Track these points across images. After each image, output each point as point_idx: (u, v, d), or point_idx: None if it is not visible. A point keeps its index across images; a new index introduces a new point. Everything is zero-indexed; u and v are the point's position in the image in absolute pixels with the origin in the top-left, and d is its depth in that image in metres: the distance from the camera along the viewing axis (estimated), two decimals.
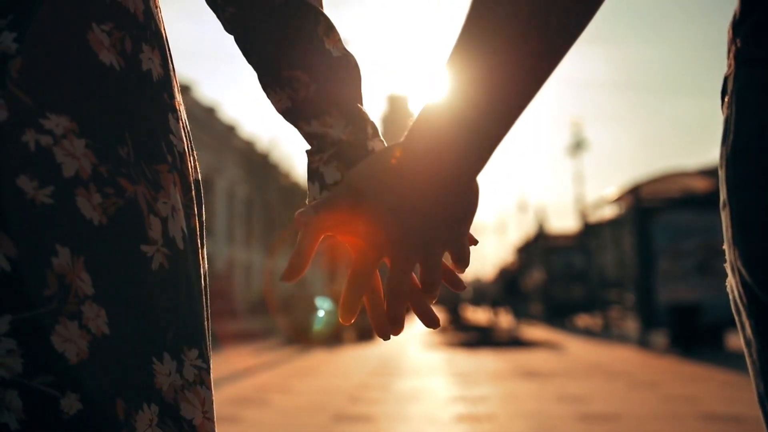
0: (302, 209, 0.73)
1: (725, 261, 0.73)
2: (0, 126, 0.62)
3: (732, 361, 9.09)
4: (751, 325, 0.70)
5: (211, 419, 0.73)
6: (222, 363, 10.81)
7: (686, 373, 8.74)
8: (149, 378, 0.68)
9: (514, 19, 0.62)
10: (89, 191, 0.66)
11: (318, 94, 0.79)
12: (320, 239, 0.76)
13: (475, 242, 0.77)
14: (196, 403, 0.72)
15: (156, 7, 0.78)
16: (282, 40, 0.80)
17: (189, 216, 0.76)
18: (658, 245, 12.76)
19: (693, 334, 11.51)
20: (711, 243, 11.98)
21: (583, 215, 25.39)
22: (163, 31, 0.79)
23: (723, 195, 0.71)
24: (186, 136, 0.79)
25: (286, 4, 0.81)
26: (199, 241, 0.78)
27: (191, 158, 0.80)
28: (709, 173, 13.49)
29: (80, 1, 0.68)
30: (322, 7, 0.83)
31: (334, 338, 15.71)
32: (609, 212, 20.04)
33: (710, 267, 12.11)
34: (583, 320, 23.28)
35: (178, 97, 0.80)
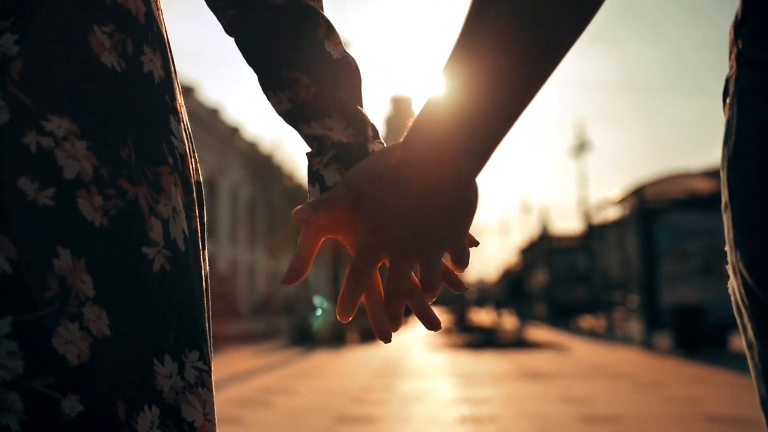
0: (299, 206, 0.73)
1: (727, 263, 0.73)
2: (1, 128, 0.62)
3: (736, 362, 9.07)
4: (753, 327, 0.70)
5: (212, 421, 0.73)
6: (225, 364, 10.81)
7: (690, 374, 8.72)
8: (150, 380, 0.68)
9: (513, 20, 0.62)
10: (90, 193, 0.66)
11: (318, 96, 0.79)
12: (321, 242, 0.77)
13: (476, 243, 0.76)
14: (197, 404, 0.72)
15: (157, 9, 0.78)
16: (282, 42, 0.81)
17: (190, 218, 0.76)
18: (662, 246, 12.74)
19: (697, 336, 11.48)
20: (715, 244, 11.95)
21: (586, 216, 25.35)
22: (164, 33, 0.79)
23: (724, 197, 0.71)
24: (187, 138, 0.79)
25: (286, 7, 0.81)
26: (200, 242, 0.78)
27: (192, 160, 0.80)
28: (713, 174, 13.45)
29: (81, 3, 0.68)
30: (322, 9, 0.83)
31: (337, 339, 15.71)
32: (613, 213, 20.02)
33: (714, 268, 12.09)
34: (586, 321, 23.25)
35: (180, 99, 0.80)
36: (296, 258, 0.75)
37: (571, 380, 8.33)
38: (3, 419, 0.61)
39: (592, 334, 18.52)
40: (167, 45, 0.79)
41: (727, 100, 0.73)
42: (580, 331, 20.24)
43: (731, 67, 0.73)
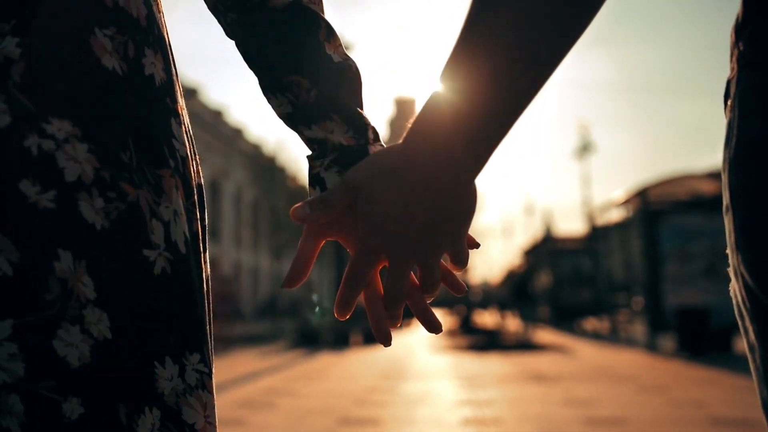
0: (297, 205, 0.73)
1: (729, 265, 0.73)
2: (2, 130, 0.62)
3: (740, 364, 9.05)
4: (754, 329, 0.69)
5: (212, 423, 0.73)
6: (228, 366, 10.82)
7: (694, 376, 8.70)
8: (151, 382, 0.68)
9: (512, 22, 0.62)
10: (91, 195, 0.66)
11: (319, 99, 0.79)
12: (321, 244, 0.77)
13: (476, 245, 0.76)
14: (198, 407, 0.72)
15: (159, 12, 0.79)
16: (283, 45, 0.81)
17: (191, 220, 0.76)
18: (666, 248, 12.72)
19: (701, 338, 11.46)
20: (719, 246, 11.88)
21: (590, 218, 25.34)
22: (165, 36, 0.79)
23: (726, 199, 0.71)
24: (188, 141, 0.79)
25: (287, 10, 0.81)
26: (201, 245, 0.78)
27: (194, 162, 0.80)
28: (717, 176, 13.40)
29: (83, 5, 0.68)
30: (323, 12, 0.83)
31: (340, 341, 15.71)
32: (616, 215, 20.03)
33: (718, 270, 12.05)
34: (590, 323, 23.21)
35: (181, 102, 0.80)
36: (297, 261, 0.75)
37: (575, 382, 8.32)
38: (4, 422, 0.61)
39: (595, 336, 18.49)
40: (168, 47, 0.79)
41: (728, 102, 0.72)
42: (583, 333, 20.21)
43: (732, 69, 0.73)
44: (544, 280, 26.76)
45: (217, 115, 42.61)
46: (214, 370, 0.76)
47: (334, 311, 0.73)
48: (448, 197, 0.67)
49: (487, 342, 15.65)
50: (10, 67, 0.64)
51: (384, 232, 0.68)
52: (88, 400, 0.64)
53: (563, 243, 27.42)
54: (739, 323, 0.73)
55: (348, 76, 0.81)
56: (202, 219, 0.79)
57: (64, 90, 0.66)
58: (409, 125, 0.68)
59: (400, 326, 0.75)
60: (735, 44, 0.72)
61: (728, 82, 0.73)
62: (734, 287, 0.73)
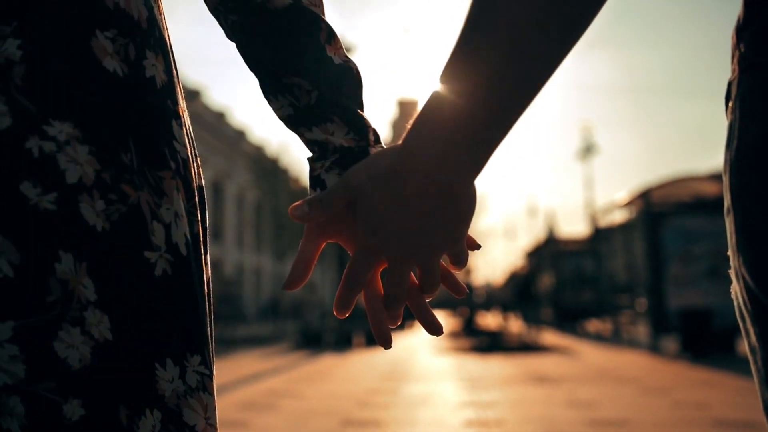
0: (296, 203, 0.73)
1: (730, 267, 0.73)
2: (3, 132, 0.63)
3: (744, 366, 9.03)
4: (755, 331, 0.69)
5: (213, 425, 0.73)
6: (231, 368, 10.82)
7: (697, 378, 8.69)
8: (152, 384, 0.68)
9: (512, 24, 0.62)
10: (92, 197, 0.66)
11: (319, 101, 0.80)
12: (322, 247, 0.77)
13: (477, 246, 0.76)
14: (198, 409, 0.72)
15: (160, 14, 0.79)
16: (283, 47, 0.81)
17: (192, 222, 0.76)
18: (669, 250, 12.70)
19: (704, 340, 11.44)
20: (722, 248, 11.58)
21: (593, 220, 25.32)
22: (167, 38, 0.79)
23: (727, 201, 0.71)
24: (190, 143, 0.79)
25: (287, 12, 0.81)
26: (202, 247, 0.78)
27: (195, 165, 0.80)
28: (720, 177, 13.27)
29: (84, 7, 0.68)
30: (324, 15, 0.84)
31: (343, 343, 15.71)
32: (619, 217, 19.98)
33: (721, 272, 12.02)
34: (593, 325, 23.19)
35: (182, 104, 0.80)
36: (298, 263, 0.76)
37: (578, 384, 8.31)
38: (5, 423, 0.61)
39: (598, 338, 18.47)
40: (169, 49, 0.79)
41: (730, 104, 0.72)
42: (586, 335, 20.19)
43: (733, 71, 0.73)
44: (546, 281, 26.73)
45: (219, 117, 42.66)
46: (215, 372, 0.76)
47: (334, 310, 0.73)
48: (447, 198, 0.67)
49: (489, 343, 15.64)
50: (11, 69, 0.64)
51: (383, 232, 0.68)
52: (89, 402, 0.64)
53: (566, 244, 27.40)
54: (741, 325, 0.73)
55: (348, 78, 0.81)
56: (203, 221, 0.80)
57: (65, 92, 0.66)
58: (409, 126, 0.68)
59: (401, 325, 0.75)
60: (736, 46, 0.72)
61: (729, 84, 0.73)
62: (735, 289, 0.72)
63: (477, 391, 7.77)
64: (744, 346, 0.73)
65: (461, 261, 0.73)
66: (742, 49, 0.71)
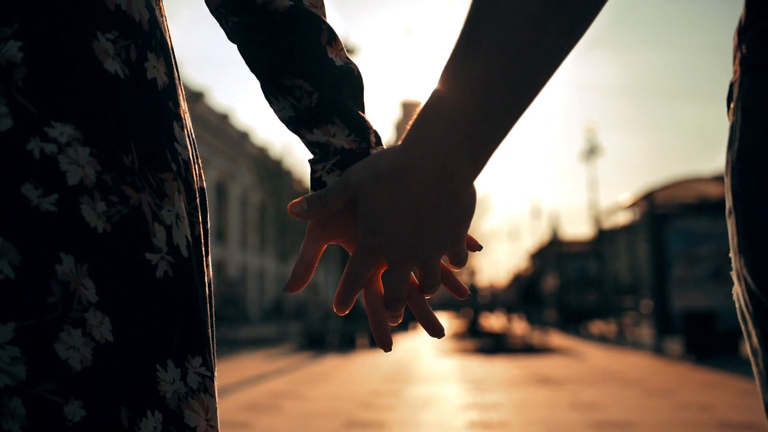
0: (295, 200, 0.73)
1: (732, 269, 0.73)
2: (4, 134, 0.63)
3: (747, 368, 8.98)
4: (757, 333, 0.69)
5: (214, 427, 0.73)
6: (234, 369, 10.83)
7: (701, 380, 8.67)
8: (153, 385, 0.68)
9: (512, 24, 0.62)
10: (93, 199, 0.66)
11: (320, 103, 0.80)
12: (323, 248, 0.77)
13: (479, 247, 0.76)
14: (199, 410, 0.72)
15: (161, 16, 0.79)
16: (285, 48, 0.81)
17: (193, 224, 0.76)
18: (673, 251, 12.67)
19: (708, 341, 11.41)
20: (726, 249, 11.75)
21: (597, 221, 25.26)
22: (168, 40, 0.79)
23: (729, 202, 0.71)
24: (191, 145, 0.79)
25: (288, 13, 0.81)
26: (203, 249, 0.78)
27: (196, 166, 0.80)
28: (724, 179, 13.35)
29: (85, 9, 0.68)
30: (325, 16, 0.84)
31: (346, 344, 15.70)
32: (623, 218, 19.92)
33: (725, 273, 11.91)
34: (597, 327, 23.15)
35: (184, 106, 0.80)
36: (299, 265, 0.76)
37: (581, 386, 8.29)
38: (6, 425, 0.61)
39: (602, 340, 18.44)
40: (171, 51, 0.79)
41: (731, 105, 0.72)
42: (590, 337, 20.16)
43: (735, 72, 0.72)
44: (550, 283, 26.71)
45: (223, 119, 42.74)
46: (216, 374, 0.76)
47: (334, 307, 0.73)
48: (446, 198, 0.67)
49: (493, 345, 15.62)
50: (13, 71, 0.64)
51: (383, 232, 0.68)
52: (90, 403, 0.64)
53: (570, 246, 27.36)
54: (743, 327, 0.73)
55: (350, 80, 0.81)
56: (204, 223, 0.80)
57: (67, 94, 0.66)
58: (409, 126, 0.68)
59: (405, 327, 0.75)
60: (738, 47, 0.72)
61: (731, 85, 0.73)
62: (737, 291, 0.72)
63: (481, 393, 7.76)
64: (746, 348, 0.73)
65: (461, 261, 0.73)
66: (744, 51, 0.71)
